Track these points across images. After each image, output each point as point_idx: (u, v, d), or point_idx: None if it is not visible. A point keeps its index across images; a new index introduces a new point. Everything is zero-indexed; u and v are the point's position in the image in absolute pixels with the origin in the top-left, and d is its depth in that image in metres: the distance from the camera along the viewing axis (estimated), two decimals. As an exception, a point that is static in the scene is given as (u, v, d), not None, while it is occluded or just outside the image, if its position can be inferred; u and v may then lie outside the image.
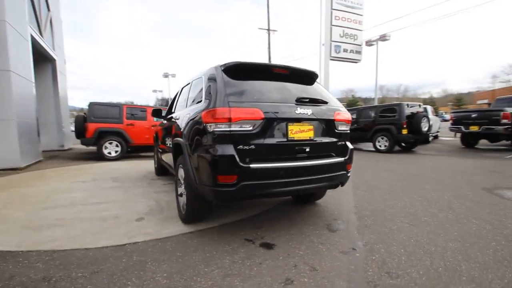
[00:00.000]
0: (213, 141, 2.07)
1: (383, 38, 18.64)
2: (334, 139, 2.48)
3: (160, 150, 4.33)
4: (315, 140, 2.34)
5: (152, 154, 8.55)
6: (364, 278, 1.71)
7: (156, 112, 4.34)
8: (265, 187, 2.10)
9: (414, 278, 1.70)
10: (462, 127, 8.96)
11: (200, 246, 2.17)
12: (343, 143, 2.56)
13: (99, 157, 7.13)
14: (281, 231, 2.45)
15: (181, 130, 2.63)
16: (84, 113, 7.75)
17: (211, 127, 2.07)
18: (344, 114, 2.55)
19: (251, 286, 1.64)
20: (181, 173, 2.71)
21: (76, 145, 11.47)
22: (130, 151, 7.75)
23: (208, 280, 1.69)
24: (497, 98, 10.33)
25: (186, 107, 2.91)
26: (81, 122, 7.07)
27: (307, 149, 2.29)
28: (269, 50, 26.81)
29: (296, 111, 2.22)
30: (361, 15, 18.19)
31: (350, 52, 17.89)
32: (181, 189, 2.72)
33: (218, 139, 2.05)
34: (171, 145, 3.12)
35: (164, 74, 32.20)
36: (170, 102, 4.38)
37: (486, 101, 39.66)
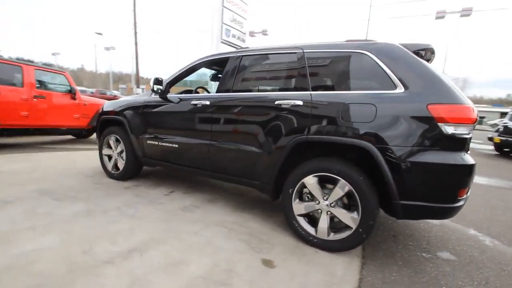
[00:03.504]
0: (451, 146, 1.63)
1: (264, 32, 20.37)
2: None
3: (174, 145, 2.73)
4: None
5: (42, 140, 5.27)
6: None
7: (158, 82, 2.71)
8: None
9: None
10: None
11: (413, 269, 1.71)
12: None
13: None
14: (422, 237, 2.34)
15: (340, 124, 1.81)
16: None
17: (450, 129, 1.61)
18: None
19: None
20: (309, 181, 1.94)
21: None
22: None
23: None
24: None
25: (316, 89, 2.00)
26: None
27: None
28: (135, 14, 22.70)
29: None
30: (246, 4, 18.89)
31: (238, 38, 18.22)
32: (317, 205, 1.95)
33: (456, 144, 1.65)
34: (274, 146, 2.09)
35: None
36: (177, 74, 2.85)
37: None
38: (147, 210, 2.44)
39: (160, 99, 2.83)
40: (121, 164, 3.23)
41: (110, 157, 3.37)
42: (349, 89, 1.92)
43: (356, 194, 1.79)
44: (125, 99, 3.31)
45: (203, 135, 2.49)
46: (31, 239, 1.81)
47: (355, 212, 1.83)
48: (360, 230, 1.80)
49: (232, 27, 17.69)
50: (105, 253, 1.71)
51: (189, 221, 2.28)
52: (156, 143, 2.83)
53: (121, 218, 2.24)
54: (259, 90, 2.42)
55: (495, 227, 2.67)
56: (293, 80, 2.16)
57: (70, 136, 6.70)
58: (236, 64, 2.45)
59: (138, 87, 24.86)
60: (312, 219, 2.06)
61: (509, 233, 2.54)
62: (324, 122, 1.89)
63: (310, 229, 2.01)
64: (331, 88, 1.99)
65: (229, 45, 17.51)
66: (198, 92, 3.14)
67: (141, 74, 24.67)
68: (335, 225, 1.96)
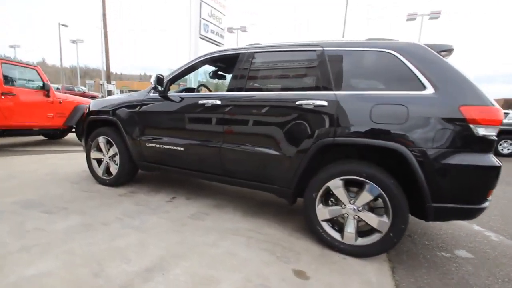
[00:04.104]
0: (482, 148, 1.64)
1: (243, 29, 20.09)
2: None
3: (180, 148, 2.51)
4: None
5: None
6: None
7: (159, 80, 2.48)
8: None
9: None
10: None
11: (440, 271, 1.70)
12: None
13: None
14: (435, 235, 2.37)
15: (372, 127, 1.74)
16: None
17: (481, 130, 1.61)
18: None
19: None
20: (335, 185, 1.88)
21: None
22: None
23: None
24: None
25: (340, 89, 1.91)
26: None
27: None
28: (104, 4, 21.35)
29: None
30: (225, -1, 18.52)
31: (216, 34, 17.90)
32: (343, 210, 1.89)
33: (486, 146, 1.65)
34: (296, 149, 1.99)
35: None
36: (179, 72, 2.63)
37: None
38: (153, 220, 2.23)
39: (160, 97, 2.60)
40: (113, 169, 2.94)
41: (100, 161, 3.06)
42: (375, 89, 1.86)
43: (386, 198, 1.74)
44: (116, 98, 3.02)
45: (213, 137, 2.32)
46: (28, 263, 1.54)
47: (385, 216, 1.79)
48: (391, 234, 1.76)
49: (211, 23, 17.33)
50: (120, 274, 1.51)
51: (202, 231, 2.11)
52: (157, 145, 2.60)
53: (126, 231, 2.01)
54: (274, 89, 2.29)
55: (494, 221, 2.79)
56: (314, 79, 2.06)
57: (41, 137, 6.11)
58: (248, 61, 2.29)
59: (109, 83, 23.49)
60: (336, 224, 2.00)
61: (507, 226, 2.67)
62: (353, 123, 1.82)
63: (335, 235, 1.94)
64: (356, 87, 1.92)
65: (207, 41, 17.13)
66: (199, 91, 2.94)
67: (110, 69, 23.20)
68: (359, 229, 1.90)
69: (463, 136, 1.63)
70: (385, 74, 1.89)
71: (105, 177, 3.00)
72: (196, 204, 2.64)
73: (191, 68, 2.62)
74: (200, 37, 16.52)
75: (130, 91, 53.13)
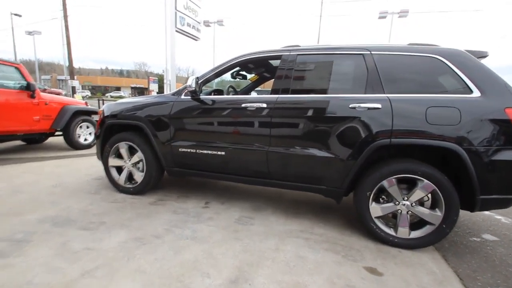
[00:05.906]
0: (522, 145, 1.84)
1: (220, 23, 19.61)
2: None
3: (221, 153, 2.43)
4: None
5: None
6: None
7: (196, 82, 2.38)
8: None
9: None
10: None
11: (482, 254, 1.90)
12: None
13: None
14: (459, 223, 2.61)
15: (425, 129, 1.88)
16: None
17: (522, 129, 1.81)
18: None
19: None
20: (390, 183, 1.99)
21: None
22: None
23: None
24: None
25: (391, 92, 2.00)
26: None
27: None
28: (65, 7, 19.47)
29: None
30: (199, -9, 17.90)
31: (192, 27, 17.30)
32: (397, 206, 2.01)
33: (526, 143, 1.86)
34: (350, 150, 2.05)
35: None
36: (212, 73, 2.54)
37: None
38: (203, 229, 2.16)
39: (195, 101, 2.49)
40: (138, 176, 2.78)
41: (119, 169, 2.87)
42: (426, 93, 1.98)
43: (440, 193, 1.89)
44: (135, 101, 2.83)
45: (259, 141, 2.29)
46: (103, 288, 1.43)
47: (437, 210, 1.94)
48: (444, 226, 1.92)
49: (186, 15, 16.68)
50: None
51: (259, 236, 2.10)
52: (194, 150, 2.50)
53: (185, 243, 1.94)
54: (321, 92, 2.32)
55: (496, 205, 3.14)
56: (363, 82, 2.12)
57: (16, 142, 5.51)
58: (292, 63, 2.29)
59: (72, 78, 21.66)
60: (387, 220, 2.12)
61: (509, 210, 3.01)
62: (409, 125, 1.92)
63: (388, 230, 2.05)
64: (406, 91, 2.02)
65: (184, 34, 16.52)
66: (229, 92, 2.86)
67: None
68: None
69: (508, 135, 1.82)
70: (433, 78, 2.02)
71: (128, 185, 2.82)
72: (234, 209, 2.61)
73: (226, 69, 2.55)
74: (177, 30, 15.82)
75: (93, 87, 49.35)
